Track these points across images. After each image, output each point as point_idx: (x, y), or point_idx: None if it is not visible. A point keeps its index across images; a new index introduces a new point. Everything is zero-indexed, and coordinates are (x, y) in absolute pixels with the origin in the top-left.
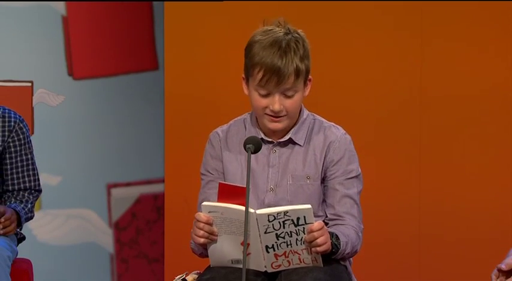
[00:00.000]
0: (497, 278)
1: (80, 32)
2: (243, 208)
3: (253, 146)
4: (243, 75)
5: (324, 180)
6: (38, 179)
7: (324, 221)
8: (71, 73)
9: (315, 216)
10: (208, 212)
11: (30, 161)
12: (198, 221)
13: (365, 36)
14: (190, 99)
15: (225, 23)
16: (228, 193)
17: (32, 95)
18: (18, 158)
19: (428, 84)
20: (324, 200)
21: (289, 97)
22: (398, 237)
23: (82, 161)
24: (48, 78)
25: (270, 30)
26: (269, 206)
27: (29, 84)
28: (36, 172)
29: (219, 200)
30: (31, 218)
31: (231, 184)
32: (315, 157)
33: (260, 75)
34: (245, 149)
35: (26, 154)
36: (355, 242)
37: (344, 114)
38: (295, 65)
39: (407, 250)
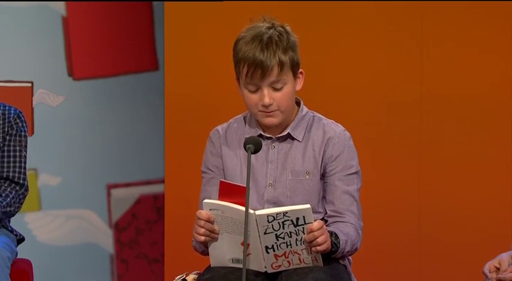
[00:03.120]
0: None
1: (80, 32)
2: (243, 208)
3: (253, 146)
4: (236, 76)
5: (323, 176)
6: (24, 174)
7: (323, 218)
8: (71, 73)
9: (315, 212)
10: (210, 209)
11: (18, 153)
12: (199, 218)
13: (365, 37)
14: (190, 100)
15: (225, 23)
16: (229, 191)
17: (32, 95)
18: (6, 148)
19: (428, 84)
20: (323, 197)
21: (278, 90)
22: (398, 237)
23: (82, 162)
24: (48, 78)
25: (254, 26)
26: (268, 201)
27: (29, 84)
28: (22, 165)
29: (220, 199)
30: (11, 213)
31: (232, 182)
32: (314, 152)
33: (245, 70)
34: (245, 149)
35: (14, 146)
36: (355, 240)
37: (344, 114)
38: (277, 57)
39: (407, 250)
